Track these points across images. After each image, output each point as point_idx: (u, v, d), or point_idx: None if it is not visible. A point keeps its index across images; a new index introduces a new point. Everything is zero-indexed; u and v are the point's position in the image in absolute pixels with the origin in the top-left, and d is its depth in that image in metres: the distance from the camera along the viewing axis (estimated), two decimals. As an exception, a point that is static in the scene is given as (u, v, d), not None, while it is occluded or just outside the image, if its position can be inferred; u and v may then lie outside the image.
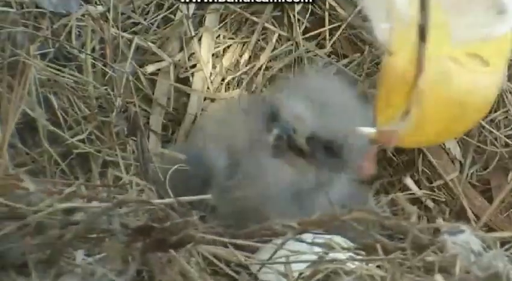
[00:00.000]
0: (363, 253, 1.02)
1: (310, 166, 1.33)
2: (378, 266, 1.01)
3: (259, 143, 1.32)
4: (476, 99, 1.10)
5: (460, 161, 1.60)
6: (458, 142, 1.60)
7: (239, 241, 1.04)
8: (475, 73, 1.02)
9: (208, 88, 1.60)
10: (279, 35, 1.64)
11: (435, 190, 1.58)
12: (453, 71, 1.01)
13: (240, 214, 1.28)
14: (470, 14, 0.99)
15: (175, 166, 1.29)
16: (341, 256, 1.02)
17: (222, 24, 1.63)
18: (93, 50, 1.51)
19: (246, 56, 1.63)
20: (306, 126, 1.30)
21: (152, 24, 1.59)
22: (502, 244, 1.01)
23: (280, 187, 1.32)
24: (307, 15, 1.64)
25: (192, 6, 1.59)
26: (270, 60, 1.64)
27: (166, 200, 0.98)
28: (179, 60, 1.59)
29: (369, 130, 1.16)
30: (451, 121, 1.17)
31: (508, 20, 0.99)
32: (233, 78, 1.62)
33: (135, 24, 1.59)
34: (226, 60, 1.63)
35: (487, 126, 1.58)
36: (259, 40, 1.64)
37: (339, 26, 1.64)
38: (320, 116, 1.31)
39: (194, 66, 1.60)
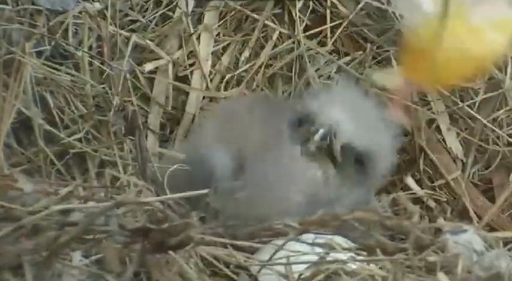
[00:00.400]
0: (364, 253, 1.02)
1: (337, 175, 1.33)
2: (380, 267, 1.01)
3: (278, 144, 1.31)
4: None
5: (462, 160, 1.60)
6: (460, 141, 1.59)
7: (239, 242, 1.03)
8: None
9: (207, 87, 1.58)
10: (280, 32, 1.62)
11: (437, 189, 1.58)
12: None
13: (244, 218, 1.27)
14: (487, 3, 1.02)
15: (174, 166, 1.29)
16: (342, 256, 1.02)
17: (221, 21, 1.62)
18: (90, 48, 1.50)
19: (246, 54, 1.62)
20: (344, 133, 1.30)
21: (150, 21, 1.58)
22: (505, 244, 1.02)
23: (296, 194, 1.31)
24: (308, 13, 1.63)
25: (191, 4, 1.58)
26: (271, 59, 1.62)
27: (163, 197, 0.97)
28: (178, 58, 1.57)
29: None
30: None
31: None
32: (233, 77, 1.61)
33: (133, 21, 1.57)
34: (226, 59, 1.62)
35: (489, 125, 1.57)
36: (259, 38, 1.63)
37: (340, 24, 1.62)
38: (356, 127, 1.31)
39: (193, 64, 1.59)
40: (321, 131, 1.29)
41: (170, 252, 0.96)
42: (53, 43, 1.47)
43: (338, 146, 1.30)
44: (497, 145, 1.58)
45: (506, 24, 1.07)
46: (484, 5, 1.03)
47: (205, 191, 1.05)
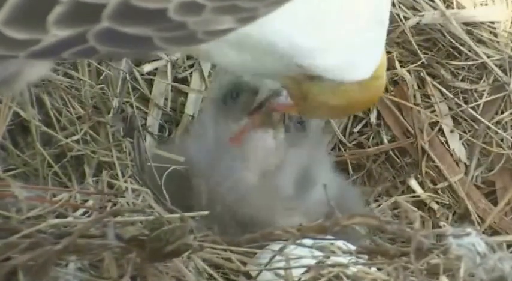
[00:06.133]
0: (365, 256, 1.02)
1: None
2: (379, 269, 1.00)
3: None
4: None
5: (465, 163, 1.59)
6: (463, 144, 1.59)
7: (237, 248, 1.03)
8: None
9: (206, 88, 1.57)
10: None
11: (439, 191, 1.57)
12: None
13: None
14: None
15: (172, 167, 1.29)
16: (342, 260, 1.02)
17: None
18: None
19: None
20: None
21: (149, 21, 1.57)
22: (508, 247, 1.02)
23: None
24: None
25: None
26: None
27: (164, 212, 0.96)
28: (177, 59, 1.57)
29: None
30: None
31: None
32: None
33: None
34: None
35: (493, 127, 1.57)
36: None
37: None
38: None
39: (192, 65, 1.58)
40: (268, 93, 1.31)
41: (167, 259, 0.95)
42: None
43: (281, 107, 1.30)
44: (501, 147, 1.58)
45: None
46: None
47: (205, 212, 1.06)
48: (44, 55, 0.82)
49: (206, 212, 1.08)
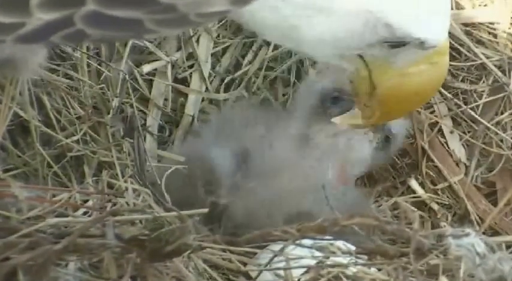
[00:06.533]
0: (365, 257, 1.02)
1: None
2: (379, 269, 1.01)
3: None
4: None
5: (465, 163, 1.59)
6: (463, 144, 1.59)
7: (237, 248, 1.03)
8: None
9: (207, 89, 1.57)
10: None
11: (439, 192, 1.57)
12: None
13: (252, 212, 1.33)
14: None
15: (173, 168, 1.29)
16: (342, 260, 1.02)
17: (221, 23, 1.61)
18: (87, 49, 1.48)
19: (249, 57, 1.61)
20: None
21: (149, 22, 1.57)
22: (507, 247, 1.02)
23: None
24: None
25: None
26: (271, 61, 1.61)
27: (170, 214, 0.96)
28: (177, 59, 1.57)
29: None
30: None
31: None
32: (232, 79, 1.60)
33: (132, 22, 1.56)
34: (226, 60, 1.61)
35: (492, 128, 1.57)
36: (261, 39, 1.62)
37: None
38: None
39: (192, 66, 1.58)
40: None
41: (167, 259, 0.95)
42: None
43: None
44: (501, 148, 1.58)
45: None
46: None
47: (205, 210, 1.06)
48: (33, 39, 0.82)
49: (205, 210, 1.07)
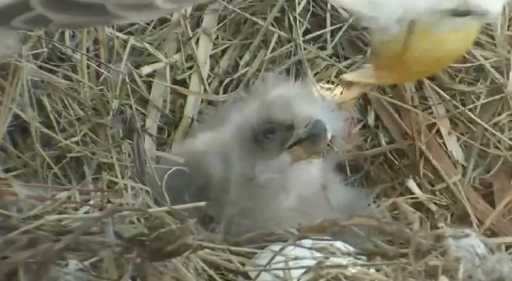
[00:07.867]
0: (364, 257, 1.01)
1: None
2: (378, 270, 1.01)
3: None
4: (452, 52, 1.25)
5: (463, 165, 1.59)
6: (461, 145, 1.59)
7: (237, 248, 1.03)
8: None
9: (205, 90, 1.57)
10: (279, 36, 1.61)
11: (437, 193, 1.57)
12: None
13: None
14: None
15: (173, 169, 1.29)
16: (342, 261, 1.02)
17: (220, 25, 1.61)
18: (87, 50, 1.49)
19: (246, 58, 1.61)
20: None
21: (148, 24, 1.57)
22: (507, 248, 1.02)
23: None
24: (308, 16, 1.62)
25: (189, 7, 1.57)
26: (269, 62, 1.61)
27: (162, 209, 0.96)
28: (176, 61, 1.57)
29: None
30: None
31: None
32: (231, 81, 1.60)
33: (131, 24, 1.56)
34: (225, 62, 1.61)
35: (490, 129, 1.57)
36: (259, 41, 1.62)
37: (341, 27, 1.62)
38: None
39: (191, 67, 1.58)
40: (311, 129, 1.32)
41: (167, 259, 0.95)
42: (50, 46, 1.46)
43: (329, 136, 1.32)
44: (499, 149, 1.58)
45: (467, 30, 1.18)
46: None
47: (202, 203, 1.06)
48: None
49: (203, 203, 1.07)
